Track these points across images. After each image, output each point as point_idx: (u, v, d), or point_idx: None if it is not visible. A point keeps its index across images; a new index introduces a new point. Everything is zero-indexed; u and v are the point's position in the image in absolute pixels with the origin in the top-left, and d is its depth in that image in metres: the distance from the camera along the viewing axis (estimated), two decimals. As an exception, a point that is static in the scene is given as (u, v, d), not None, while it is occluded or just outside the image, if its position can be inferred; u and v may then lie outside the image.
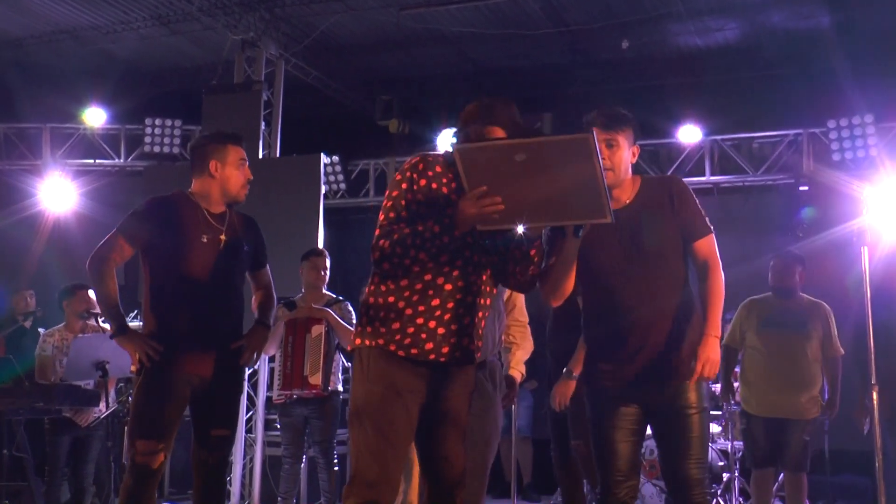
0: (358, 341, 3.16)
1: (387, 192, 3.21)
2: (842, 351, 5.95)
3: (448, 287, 3.11)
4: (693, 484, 3.32)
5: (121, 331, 3.99)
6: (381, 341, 3.09)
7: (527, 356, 4.43)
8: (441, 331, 3.10)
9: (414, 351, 3.08)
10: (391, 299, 3.10)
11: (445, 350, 3.10)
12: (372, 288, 3.17)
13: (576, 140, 2.83)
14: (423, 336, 3.08)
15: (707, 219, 3.46)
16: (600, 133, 3.29)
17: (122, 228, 4.05)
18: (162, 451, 3.84)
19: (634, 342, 3.35)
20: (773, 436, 5.85)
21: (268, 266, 4.38)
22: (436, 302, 3.10)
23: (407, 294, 3.09)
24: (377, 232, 3.13)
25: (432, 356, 3.09)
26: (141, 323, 7.29)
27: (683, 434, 3.32)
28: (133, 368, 3.99)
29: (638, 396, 3.38)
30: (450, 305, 3.11)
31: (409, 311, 3.09)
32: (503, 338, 4.34)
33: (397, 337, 3.08)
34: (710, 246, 3.44)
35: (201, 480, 3.99)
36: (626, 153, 3.43)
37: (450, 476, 3.20)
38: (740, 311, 6.13)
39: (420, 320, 3.09)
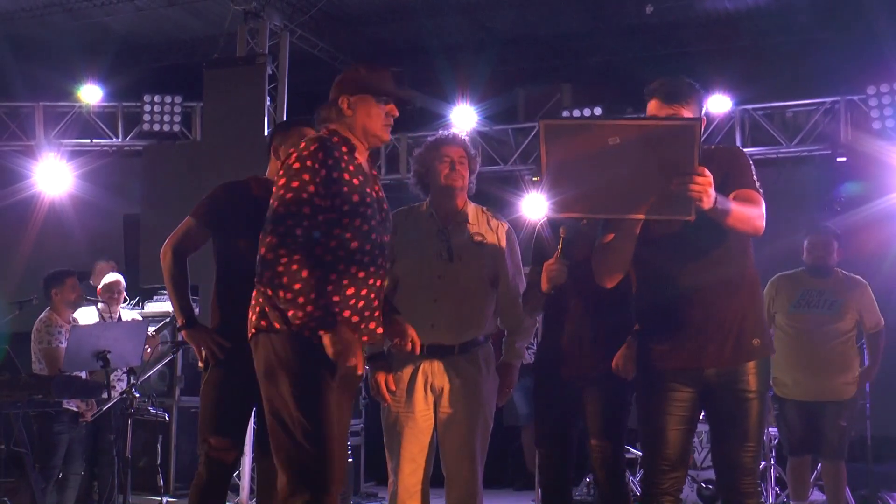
0: None
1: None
2: (883, 322, 5.86)
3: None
4: (745, 472, 3.23)
5: (188, 324, 3.92)
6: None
7: (524, 340, 4.11)
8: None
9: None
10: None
11: None
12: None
13: (679, 127, 2.84)
14: None
15: (760, 187, 3.24)
16: (662, 106, 3.21)
17: (193, 211, 3.97)
18: (235, 448, 3.85)
19: (692, 321, 3.22)
20: (808, 420, 5.78)
21: None
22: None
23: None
24: None
25: None
26: (138, 311, 7.09)
27: (741, 420, 3.22)
28: (200, 364, 3.97)
29: (694, 380, 3.24)
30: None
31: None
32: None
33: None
34: (756, 197, 3.18)
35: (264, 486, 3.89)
36: None
37: None
38: (768, 290, 5.93)
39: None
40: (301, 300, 2.92)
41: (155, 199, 9.07)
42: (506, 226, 3.97)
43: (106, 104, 10.01)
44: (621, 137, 2.76)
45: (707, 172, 2.82)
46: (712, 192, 2.84)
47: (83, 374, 6.00)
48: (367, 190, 3.13)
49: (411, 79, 9.58)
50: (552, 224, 3.84)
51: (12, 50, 9.60)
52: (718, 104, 8.96)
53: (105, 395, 5.82)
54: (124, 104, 9.98)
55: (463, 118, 9.45)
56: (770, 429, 6.83)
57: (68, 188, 9.77)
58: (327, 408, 3.02)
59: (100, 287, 6.55)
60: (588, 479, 7.38)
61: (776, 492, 6.87)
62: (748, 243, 3.28)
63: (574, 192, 2.89)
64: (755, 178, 3.21)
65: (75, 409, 6.12)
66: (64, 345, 6.12)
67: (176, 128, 9.74)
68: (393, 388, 3.78)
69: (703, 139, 8.58)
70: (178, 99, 9.67)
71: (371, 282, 3.12)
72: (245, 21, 8.91)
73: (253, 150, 7.46)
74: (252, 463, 8.17)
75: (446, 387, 3.79)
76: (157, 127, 9.68)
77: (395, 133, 9.90)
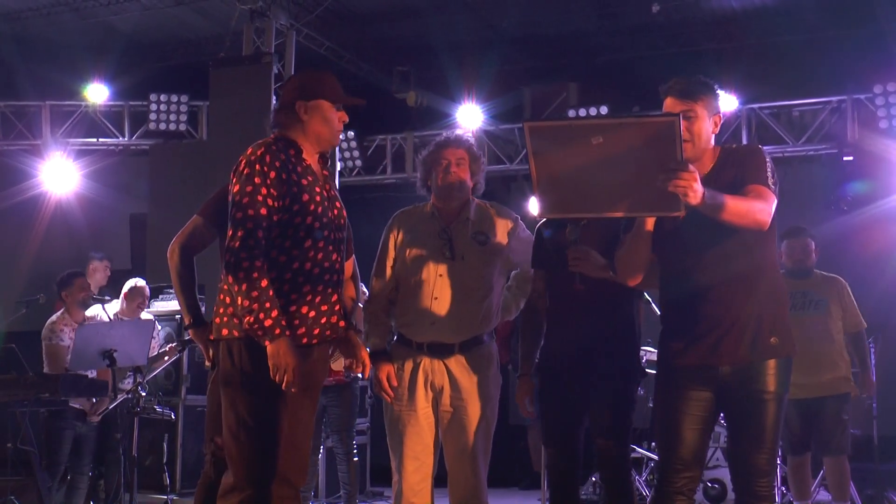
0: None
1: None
2: (864, 324, 5.86)
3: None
4: (760, 474, 3.20)
5: (195, 323, 3.90)
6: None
7: (519, 302, 4.17)
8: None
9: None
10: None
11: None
12: None
13: (660, 123, 2.83)
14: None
15: (774, 184, 3.17)
16: (677, 103, 3.21)
17: (201, 210, 3.92)
18: None
19: (707, 317, 3.20)
20: (806, 418, 5.74)
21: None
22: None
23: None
24: None
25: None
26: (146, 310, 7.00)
27: (757, 422, 3.18)
28: (207, 363, 3.92)
29: (710, 379, 3.21)
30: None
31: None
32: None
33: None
34: (763, 191, 3.10)
35: None
36: (705, 124, 3.26)
37: None
38: None
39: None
40: (255, 307, 3.03)
41: (161, 197, 9.10)
42: (511, 223, 3.97)
43: (112, 103, 10.04)
44: (604, 137, 2.78)
45: (692, 168, 2.80)
46: (698, 186, 2.81)
47: (92, 373, 5.98)
48: (318, 189, 3.23)
49: (418, 77, 9.61)
50: (551, 224, 3.85)
51: (19, 49, 9.63)
52: (725, 103, 8.89)
53: (112, 394, 5.77)
54: (131, 103, 10.01)
55: (469, 117, 9.46)
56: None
57: (75, 187, 9.79)
58: (276, 412, 3.12)
59: (124, 292, 6.49)
60: (594, 479, 7.37)
61: (782, 491, 6.86)
62: (769, 239, 3.23)
63: (563, 193, 2.92)
64: (769, 174, 3.15)
65: (79, 406, 6.11)
66: (66, 343, 6.09)
67: (182, 127, 9.76)
68: (395, 384, 3.80)
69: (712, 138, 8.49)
70: (184, 98, 9.70)
71: (327, 277, 3.22)
72: (251, 20, 8.95)
73: (259, 150, 7.49)
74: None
75: (446, 385, 3.80)
76: (163, 126, 9.71)
77: (401, 132, 10.09)
